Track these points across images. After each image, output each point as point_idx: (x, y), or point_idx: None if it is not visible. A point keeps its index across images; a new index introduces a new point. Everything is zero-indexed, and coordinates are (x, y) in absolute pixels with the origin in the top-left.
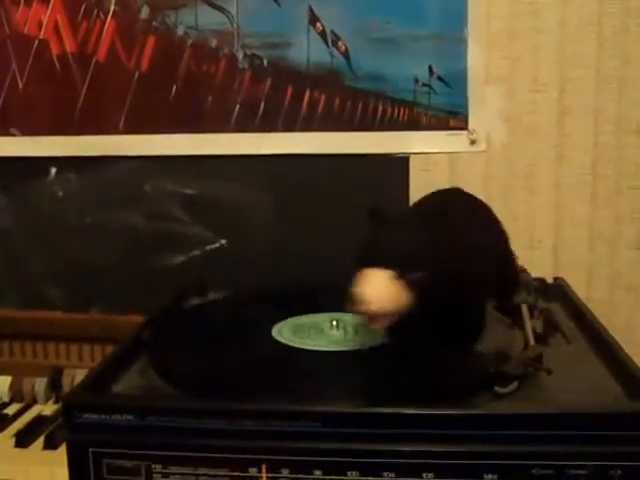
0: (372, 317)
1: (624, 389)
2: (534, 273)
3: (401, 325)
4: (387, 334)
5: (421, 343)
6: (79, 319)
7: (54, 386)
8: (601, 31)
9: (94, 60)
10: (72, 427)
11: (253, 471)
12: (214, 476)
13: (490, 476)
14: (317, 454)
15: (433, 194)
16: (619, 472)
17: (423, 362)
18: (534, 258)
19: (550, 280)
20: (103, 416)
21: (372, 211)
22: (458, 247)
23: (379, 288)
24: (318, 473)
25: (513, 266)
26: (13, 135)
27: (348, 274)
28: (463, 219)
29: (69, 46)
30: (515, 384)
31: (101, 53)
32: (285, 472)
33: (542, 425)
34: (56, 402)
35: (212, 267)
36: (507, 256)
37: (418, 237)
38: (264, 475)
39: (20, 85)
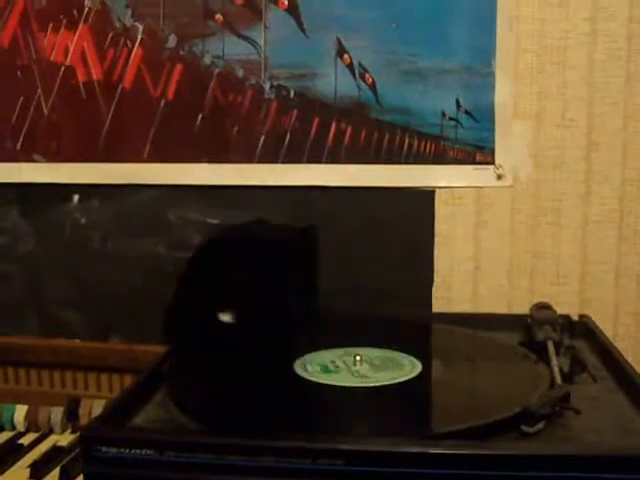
0: None
1: None
2: (560, 310)
3: None
4: None
5: None
6: (98, 348)
7: (71, 416)
8: (629, 67)
9: (120, 88)
10: (90, 460)
11: None
12: None
13: None
14: None
15: None
16: None
17: (449, 399)
18: (560, 294)
19: (575, 317)
20: (122, 450)
21: None
22: None
23: None
24: None
25: None
26: (37, 161)
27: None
28: None
29: (95, 73)
30: (542, 423)
31: (127, 81)
32: None
33: (570, 466)
34: (73, 432)
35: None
36: None
37: None
38: None
39: (45, 112)
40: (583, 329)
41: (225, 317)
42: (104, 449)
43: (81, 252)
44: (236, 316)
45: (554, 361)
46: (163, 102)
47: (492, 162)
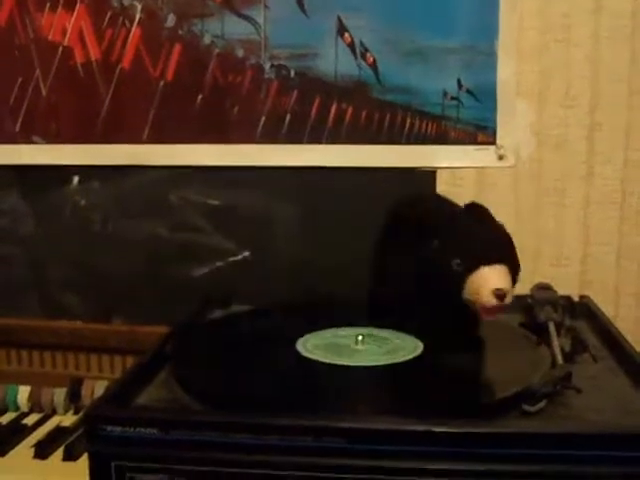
0: (495, 310)
1: None
2: (561, 291)
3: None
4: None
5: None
6: (100, 329)
7: (73, 397)
8: (634, 44)
9: (119, 68)
10: (95, 440)
11: None
12: None
13: None
14: (343, 471)
15: (436, 198)
16: None
17: (451, 378)
18: (561, 275)
19: (576, 298)
20: (127, 429)
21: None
22: None
23: (508, 282)
24: None
25: None
26: (36, 143)
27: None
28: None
29: (93, 54)
30: (543, 402)
31: (126, 61)
32: None
33: (571, 444)
34: (75, 413)
35: (235, 279)
36: None
37: (502, 235)
38: None
39: (43, 92)
40: (584, 310)
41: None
42: (109, 428)
43: (82, 234)
44: None
45: (555, 341)
46: (162, 82)
47: (494, 142)
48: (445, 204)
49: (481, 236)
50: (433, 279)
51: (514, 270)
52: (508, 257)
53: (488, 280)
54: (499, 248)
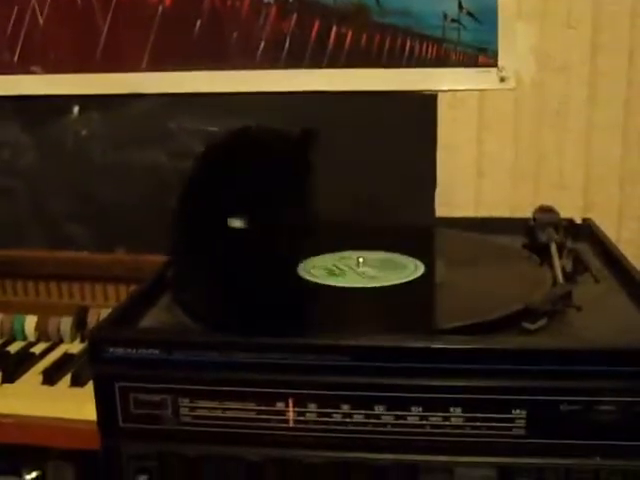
0: None
1: None
2: (563, 213)
3: None
4: None
5: None
6: (104, 259)
7: (79, 325)
8: None
9: None
10: (99, 361)
11: (280, 405)
12: (241, 410)
13: (518, 411)
14: (344, 388)
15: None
16: None
17: (452, 297)
18: (563, 198)
19: (579, 220)
20: (130, 350)
21: None
22: None
23: None
24: (345, 407)
25: None
26: (34, 73)
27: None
28: None
29: None
30: (544, 320)
31: None
32: (312, 406)
33: (571, 361)
34: (82, 341)
35: None
36: None
37: None
38: (291, 409)
39: (40, 22)
40: (586, 232)
41: (236, 223)
42: (112, 349)
43: (83, 164)
44: (246, 221)
45: (557, 262)
46: (160, 9)
47: (495, 64)
48: None
49: None
50: None
51: None
52: None
53: None
54: None
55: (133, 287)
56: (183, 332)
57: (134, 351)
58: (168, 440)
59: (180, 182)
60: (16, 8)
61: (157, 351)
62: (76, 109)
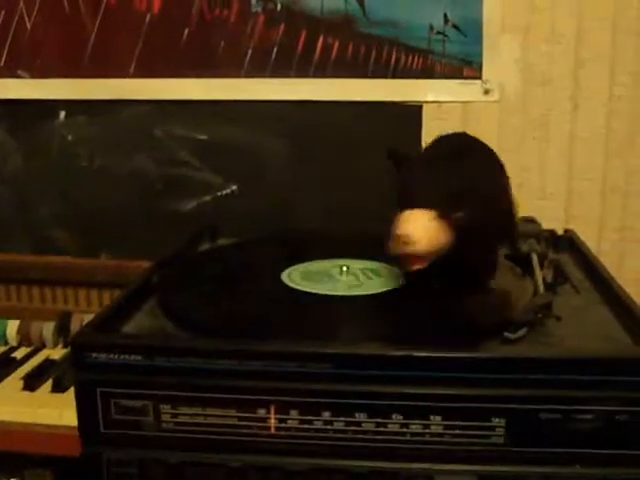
0: (414, 258)
1: (632, 337)
2: (545, 224)
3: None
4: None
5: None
6: (88, 264)
7: (62, 330)
8: None
9: (105, 1)
10: (81, 367)
11: (262, 412)
12: (223, 417)
13: (498, 420)
14: (326, 396)
15: (441, 138)
16: (625, 417)
17: (435, 307)
18: (545, 209)
19: (560, 232)
20: (112, 356)
21: (391, 152)
22: (486, 187)
23: (423, 228)
24: (327, 415)
25: (515, 210)
26: (21, 77)
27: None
28: (480, 161)
29: None
30: (524, 330)
31: None
32: (294, 413)
33: (550, 369)
34: (64, 347)
35: (223, 213)
36: (512, 200)
37: (453, 176)
38: (272, 416)
39: (28, 26)
40: (567, 243)
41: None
42: (94, 355)
43: (69, 169)
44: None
45: (538, 272)
46: (149, 16)
47: (479, 77)
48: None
49: (421, 178)
50: None
51: (455, 217)
52: (442, 202)
53: (395, 225)
54: (430, 192)
55: (117, 293)
56: (165, 338)
57: (116, 357)
58: (149, 446)
59: None
60: (3, 12)
61: (139, 357)
62: (62, 114)
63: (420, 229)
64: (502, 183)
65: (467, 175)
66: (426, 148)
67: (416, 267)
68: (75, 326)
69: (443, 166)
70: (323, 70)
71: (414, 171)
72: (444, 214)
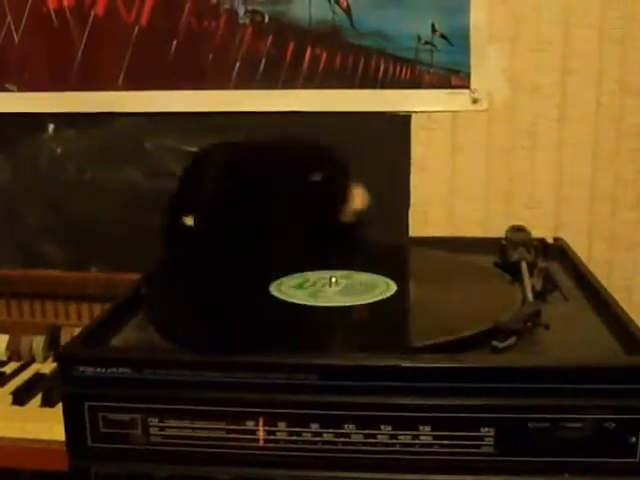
0: None
1: (620, 345)
2: (534, 233)
3: None
4: None
5: None
6: (78, 277)
7: (52, 344)
8: None
9: (92, 14)
10: (68, 380)
11: (250, 424)
12: (211, 429)
13: (487, 429)
14: (314, 407)
15: None
16: (613, 425)
17: (422, 316)
18: (534, 218)
19: (550, 240)
20: (99, 369)
21: None
22: None
23: None
24: (315, 426)
25: None
26: (9, 91)
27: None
28: None
29: (66, 0)
30: (513, 339)
31: (100, 7)
32: (282, 425)
33: (539, 378)
34: (54, 361)
35: None
36: None
37: None
38: (261, 428)
39: (16, 39)
40: (557, 251)
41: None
42: (82, 369)
43: (58, 182)
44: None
45: (527, 280)
46: (137, 28)
47: (468, 86)
48: None
49: None
50: None
51: None
52: None
53: None
54: None
55: (107, 306)
56: (153, 351)
57: (104, 370)
58: (138, 460)
59: None
60: None
61: (127, 370)
62: (51, 127)
63: None
64: None
65: None
66: None
67: None
68: (65, 340)
69: None
70: (311, 81)
71: None
72: None
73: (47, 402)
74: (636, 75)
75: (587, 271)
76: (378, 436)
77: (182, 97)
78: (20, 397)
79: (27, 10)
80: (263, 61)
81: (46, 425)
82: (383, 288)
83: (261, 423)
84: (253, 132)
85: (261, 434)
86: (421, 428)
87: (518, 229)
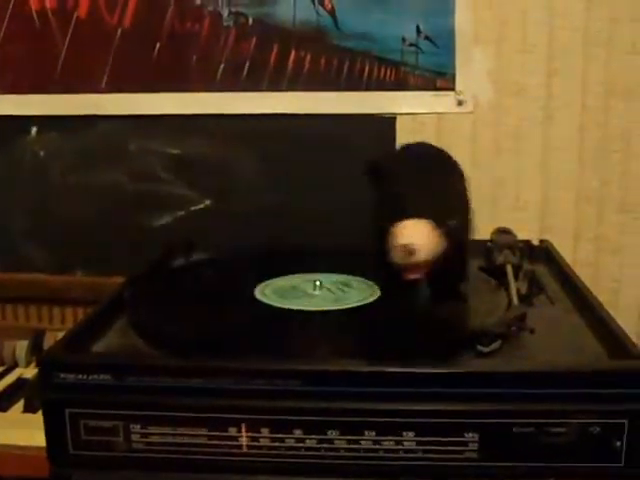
0: (414, 267)
1: (606, 349)
2: (520, 235)
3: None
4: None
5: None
6: (61, 281)
7: (35, 349)
8: None
9: (75, 16)
10: (49, 387)
11: (233, 431)
12: (193, 435)
13: (471, 434)
14: (297, 413)
15: (407, 149)
16: (598, 429)
17: (407, 321)
18: (520, 220)
19: (536, 242)
20: (80, 376)
21: (371, 167)
22: (465, 196)
23: (424, 236)
24: (298, 432)
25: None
26: None
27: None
28: (452, 171)
29: (49, 1)
30: (498, 343)
31: (82, 9)
32: (265, 432)
33: (523, 383)
34: (37, 365)
35: (197, 228)
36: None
37: (441, 187)
38: (244, 435)
39: None
40: (543, 254)
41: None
42: (62, 375)
43: (42, 185)
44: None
45: (512, 284)
46: (120, 30)
47: (453, 88)
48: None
49: (411, 190)
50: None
51: (449, 225)
52: (434, 211)
53: (396, 236)
54: (422, 201)
55: (91, 309)
56: (134, 357)
57: (85, 376)
58: (120, 467)
59: None
60: None
61: (108, 376)
62: (34, 130)
63: (421, 238)
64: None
65: (453, 186)
66: (396, 160)
67: (415, 276)
68: (49, 345)
69: (429, 178)
70: (296, 83)
71: (401, 184)
72: (440, 223)
73: (29, 408)
74: (621, 77)
75: (573, 274)
76: (362, 442)
77: (166, 99)
78: (2, 403)
79: (9, 12)
80: (247, 63)
81: (27, 432)
82: (368, 292)
83: (244, 429)
84: (237, 134)
85: (244, 440)
86: (405, 434)
87: (504, 231)
